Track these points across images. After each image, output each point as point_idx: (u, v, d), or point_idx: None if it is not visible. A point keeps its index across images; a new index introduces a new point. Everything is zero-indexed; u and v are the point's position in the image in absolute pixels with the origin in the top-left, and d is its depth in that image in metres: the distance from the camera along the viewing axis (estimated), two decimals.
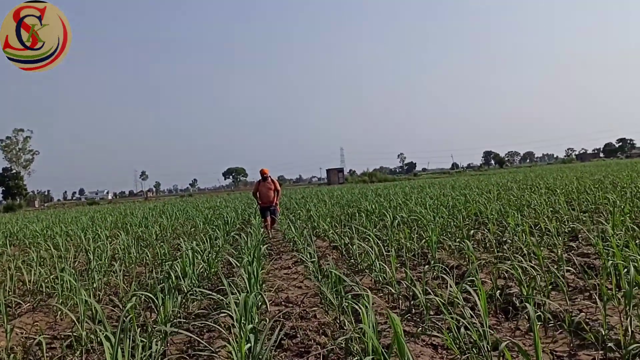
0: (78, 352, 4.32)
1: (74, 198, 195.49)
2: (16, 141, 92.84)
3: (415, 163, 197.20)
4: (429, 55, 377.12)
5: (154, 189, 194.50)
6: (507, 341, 3.00)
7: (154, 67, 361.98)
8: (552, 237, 7.04)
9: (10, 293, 6.73)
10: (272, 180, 12.25)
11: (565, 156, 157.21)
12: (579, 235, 7.83)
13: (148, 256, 8.60)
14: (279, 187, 12.36)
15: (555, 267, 5.45)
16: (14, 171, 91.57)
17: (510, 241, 7.36)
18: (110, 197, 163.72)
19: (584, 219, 8.78)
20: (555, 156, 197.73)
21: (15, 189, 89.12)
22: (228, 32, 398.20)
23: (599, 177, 21.21)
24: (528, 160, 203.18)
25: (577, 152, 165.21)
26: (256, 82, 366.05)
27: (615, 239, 5.41)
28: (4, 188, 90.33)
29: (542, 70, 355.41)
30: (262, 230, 12.28)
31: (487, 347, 3.16)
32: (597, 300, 4.04)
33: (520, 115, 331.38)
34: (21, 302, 6.33)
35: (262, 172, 12.26)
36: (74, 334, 4.57)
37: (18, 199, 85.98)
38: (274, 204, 12.16)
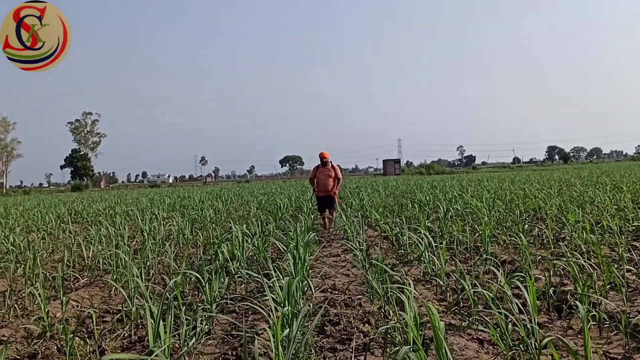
0: (127, 327, 4.44)
1: (137, 180, 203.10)
2: (85, 124, 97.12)
3: (474, 156, 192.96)
4: (494, 47, 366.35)
5: (213, 174, 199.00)
6: (552, 337, 2.84)
7: (221, 56, 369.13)
8: (613, 235, 6.68)
9: (69, 267, 7.03)
10: (332, 166, 10.80)
11: (635, 153, 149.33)
12: None
13: (200, 238, 8.78)
14: (339, 175, 10.85)
15: (616, 266, 5.16)
16: (82, 152, 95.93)
17: (568, 238, 7.05)
18: (171, 181, 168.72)
19: None
20: (624, 153, 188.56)
21: (83, 170, 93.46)
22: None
23: None
24: (595, 157, 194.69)
25: None
26: (317, 72, 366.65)
27: None
28: (72, 168, 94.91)
29: (612, 63, 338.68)
30: (319, 223, 11.29)
31: (534, 345, 3.01)
32: None
33: (587, 109, 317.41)
34: (79, 276, 6.60)
35: (322, 156, 10.79)
36: (125, 309, 4.71)
37: (85, 179, 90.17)
38: (331, 194, 10.72)
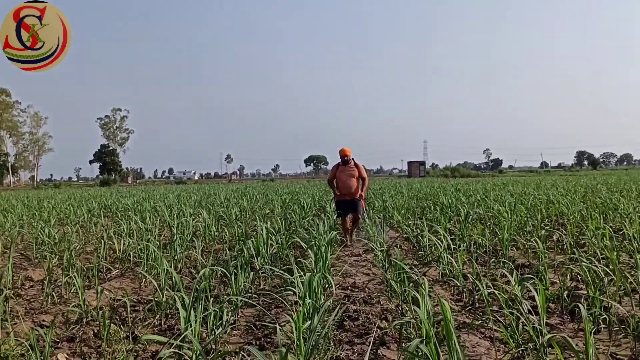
0: (158, 316, 4.71)
1: (163, 176, 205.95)
2: (114, 120, 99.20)
3: (501, 160, 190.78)
4: (524, 48, 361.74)
5: (238, 172, 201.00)
6: (554, 335, 3.01)
7: (252, 54, 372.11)
8: (633, 242, 6.75)
9: (101, 259, 7.36)
10: (355, 164, 9.30)
11: None
12: None
13: (227, 234, 9.05)
14: (364, 174, 9.34)
15: (632, 272, 5.26)
16: (111, 148, 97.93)
17: (588, 244, 7.12)
18: (196, 178, 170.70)
19: None
20: None
21: (111, 165, 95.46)
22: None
23: None
24: (625, 163, 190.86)
25: None
26: (341, 72, 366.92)
27: None
28: (101, 164, 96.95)
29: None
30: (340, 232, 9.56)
31: (542, 343, 3.17)
32: None
33: (618, 114, 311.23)
34: (111, 267, 6.92)
35: (342, 153, 9.26)
36: (156, 299, 4.98)
37: (113, 175, 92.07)
38: (356, 197, 9.17)
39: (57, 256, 7.31)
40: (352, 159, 9.32)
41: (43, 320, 4.69)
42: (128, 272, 6.83)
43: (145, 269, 6.29)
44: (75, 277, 4.93)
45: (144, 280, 6.22)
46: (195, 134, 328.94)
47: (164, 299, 4.88)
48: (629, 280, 5.02)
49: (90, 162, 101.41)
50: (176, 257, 7.15)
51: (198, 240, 7.86)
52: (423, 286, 3.46)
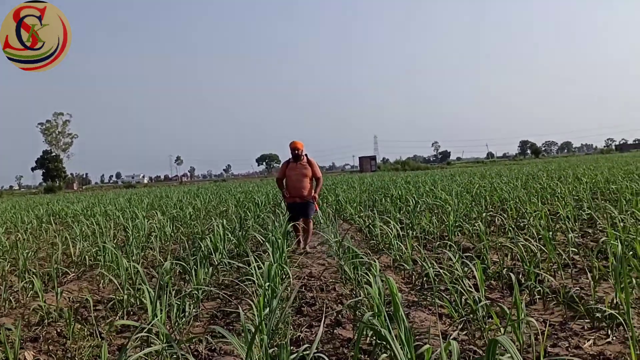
0: (120, 313, 4.82)
1: (110, 181, 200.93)
2: (56, 125, 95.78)
3: (449, 152, 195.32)
4: (466, 42, 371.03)
5: (189, 174, 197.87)
6: (486, 302, 3.35)
7: (192, 54, 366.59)
8: (565, 222, 7.29)
9: (57, 263, 7.34)
10: (308, 160, 8.10)
11: (604, 147, 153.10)
12: (597, 223, 8.03)
13: (182, 234, 9.14)
14: (319, 173, 8.17)
15: (564, 248, 5.74)
16: (54, 154, 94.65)
17: (527, 226, 7.62)
18: (146, 181, 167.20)
19: (606, 207, 8.95)
20: (594, 146, 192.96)
21: (55, 172, 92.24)
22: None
23: (632, 167, 20.99)
24: (566, 151, 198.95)
25: (617, 143, 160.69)
26: (289, 67, 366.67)
27: (622, 223, 5.64)
28: (44, 170, 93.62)
29: (583, 58, 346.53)
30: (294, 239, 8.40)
31: (481, 313, 3.51)
32: (589, 277, 4.34)
33: (558, 104, 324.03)
34: (67, 271, 6.92)
35: (293, 147, 8.03)
36: (117, 298, 5.08)
37: (57, 181, 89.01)
38: (309, 198, 8.06)
39: (10, 263, 7.24)
40: (305, 154, 8.11)
41: (4, 323, 4.72)
42: (85, 274, 6.86)
43: (104, 270, 6.34)
44: (34, 279, 4.98)
45: (102, 281, 6.27)
46: (143, 136, 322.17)
47: (125, 297, 4.99)
48: (562, 257, 5.49)
49: (33, 169, 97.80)
50: (133, 258, 7.22)
51: (155, 241, 7.93)
52: (374, 268, 3.73)
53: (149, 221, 11.37)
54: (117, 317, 4.75)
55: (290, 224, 7.38)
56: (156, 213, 13.26)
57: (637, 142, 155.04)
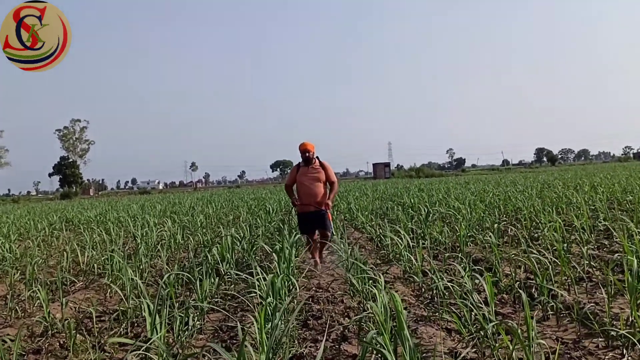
0: (124, 325, 4.76)
1: (126, 187, 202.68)
2: (73, 131, 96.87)
3: (464, 159, 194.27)
4: (484, 49, 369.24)
5: (203, 180, 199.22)
6: (501, 322, 3.22)
7: (212, 59, 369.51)
8: (580, 234, 7.12)
9: (65, 272, 7.32)
10: (321, 163, 7.29)
11: (622, 154, 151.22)
12: (614, 234, 7.83)
13: (192, 243, 9.09)
14: (333, 177, 7.33)
15: (580, 262, 5.57)
16: (71, 160, 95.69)
17: (541, 237, 7.46)
18: (161, 187, 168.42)
19: (623, 218, 8.74)
20: (612, 154, 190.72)
21: (72, 177, 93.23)
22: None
23: None
24: (583, 158, 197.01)
25: (635, 151, 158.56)
26: (301, 74, 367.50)
27: (639, 237, 5.46)
28: (61, 176, 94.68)
29: (598, 65, 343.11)
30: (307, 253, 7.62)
31: (491, 330, 3.38)
32: (603, 292, 4.18)
33: (576, 111, 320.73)
34: (75, 280, 6.90)
35: (304, 149, 7.21)
36: (122, 308, 5.02)
37: (74, 187, 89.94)
38: (322, 207, 7.15)
39: (19, 271, 7.24)
40: (317, 157, 7.34)
41: (7, 334, 4.67)
42: (93, 284, 6.82)
43: (110, 279, 6.30)
44: (39, 290, 4.94)
45: (109, 291, 6.23)
46: (159, 143, 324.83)
47: (130, 308, 4.93)
48: (577, 270, 5.33)
49: (50, 175, 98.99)
50: (141, 267, 7.17)
51: (163, 250, 7.89)
52: (380, 283, 3.63)
53: (160, 229, 11.36)
54: (121, 329, 4.69)
55: (301, 236, 6.87)
56: (167, 221, 13.24)
57: None
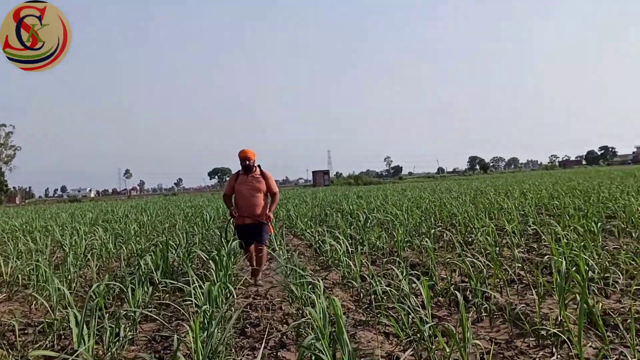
0: (50, 337, 4.50)
1: (55, 195, 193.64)
2: None
3: (401, 167, 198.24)
4: (418, 56, 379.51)
5: (138, 188, 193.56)
6: (437, 323, 3.26)
7: (143, 62, 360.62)
8: (511, 238, 7.38)
9: None
10: (262, 172, 6.87)
11: (548, 163, 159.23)
12: (542, 237, 8.17)
13: (124, 251, 8.77)
14: (275, 188, 6.91)
15: (511, 265, 5.76)
16: None
17: (475, 242, 7.68)
18: (92, 195, 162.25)
19: (550, 222, 9.14)
20: (539, 162, 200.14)
21: None
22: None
23: (574, 183, 21.76)
24: (513, 166, 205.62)
25: (560, 159, 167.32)
26: (247, 81, 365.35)
27: (565, 239, 5.72)
28: None
29: (532, 76, 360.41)
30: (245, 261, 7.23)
31: (428, 332, 3.42)
32: (533, 293, 4.34)
33: (507, 121, 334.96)
34: None
35: (244, 157, 6.75)
36: (47, 320, 4.76)
37: None
38: (262, 218, 6.71)
39: None
40: (258, 165, 6.90)
41: None
42: (16, 295, 6.44)
43: (36, 290, 5.97)
44: None
45: (34, 302, 5.90)
46: (90, 149, 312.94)
47: (57, 319, 4.68)
48: (509, 273, 5.51)
49: None
50: (69, 277, 6.84)
51: (94, 259, 7.56)
52: (319, 288, 3.60)
53: (90, 237, 10.90)
54: (47, 342, 4.43)
55: (237, 246, 6.58)
56: (98, 229, 12.74)
57: (578, 158, 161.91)
